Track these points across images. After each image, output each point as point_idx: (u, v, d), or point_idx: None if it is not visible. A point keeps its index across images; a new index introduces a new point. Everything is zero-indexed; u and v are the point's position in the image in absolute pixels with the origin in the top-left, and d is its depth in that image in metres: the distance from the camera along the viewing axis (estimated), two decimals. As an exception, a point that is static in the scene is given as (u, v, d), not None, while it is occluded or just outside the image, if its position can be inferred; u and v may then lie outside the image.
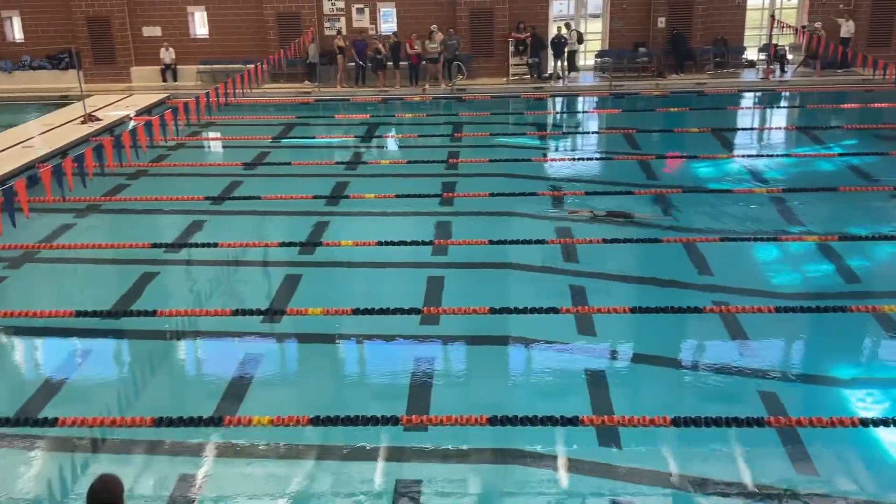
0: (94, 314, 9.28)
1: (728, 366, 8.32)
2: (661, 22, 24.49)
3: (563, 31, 23.65)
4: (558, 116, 21.72)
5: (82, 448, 7.06)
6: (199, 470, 6.75)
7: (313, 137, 19.46)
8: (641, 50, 24.49)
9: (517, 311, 9.04)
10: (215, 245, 11.41)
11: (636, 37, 24.78)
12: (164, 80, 24.73)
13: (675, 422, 6.87)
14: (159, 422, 7.05)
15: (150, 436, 7.08)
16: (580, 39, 24.36)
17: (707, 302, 9.45)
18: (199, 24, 25.53)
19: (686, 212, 12.69)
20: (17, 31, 25.86)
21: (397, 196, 13.50)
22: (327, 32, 24.76)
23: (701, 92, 22.35)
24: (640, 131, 18.13)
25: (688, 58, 24.18)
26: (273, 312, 9.46)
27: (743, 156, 16.28)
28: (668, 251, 11.13)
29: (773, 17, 23.96)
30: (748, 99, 22.71)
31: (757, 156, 16.44)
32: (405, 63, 23.73)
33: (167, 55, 24.60)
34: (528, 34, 23.83)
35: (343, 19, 24.80)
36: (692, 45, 24.27)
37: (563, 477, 6.59)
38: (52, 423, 7.09)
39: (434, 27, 23.47)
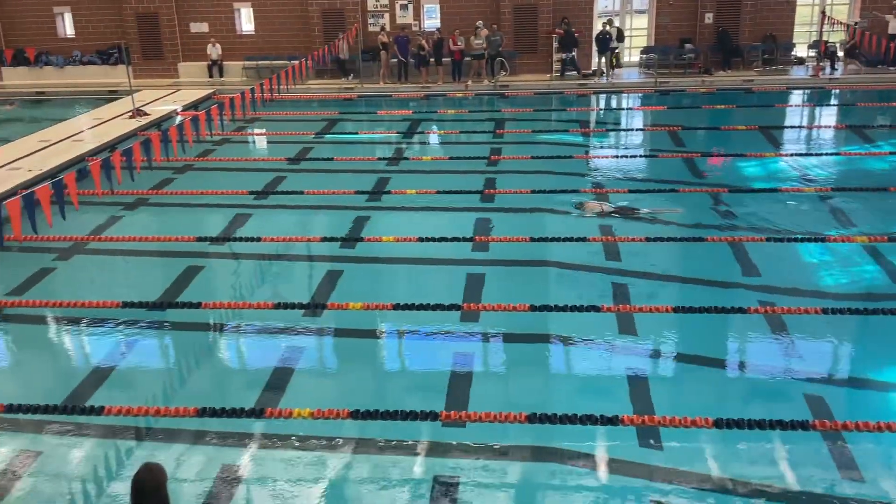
0: (141, 305, 9.46)
1: (773, 367, 8.18)
2: (709, 18, 24.15)
3: (608, 27, 23.44)
4: (602, 113, 21.54)
5: (128, 436, 7.19)
6: (241, 460, 6.83)
7: (356, 133, 19.58)
8: (688, 46, 24.18)
9: (557, 308, 9.02)
10: (258, 239, 11.56)
11: (682, 33, 24.47)
12: (211, 76, 25.06)
13: (718, 423, 6.79)
14: (202, 412, 7.16)
15: (193, 425, 7.18)
16: (620, 37, 24.12)
17: (752, 302, 9.30)
18: (246, 21, 25.83)
19: (732, 211, 12.50)
20: (68, 27, 26.42)
21: (438, 192, 13.53)
22: (371, 29, 24.87)
23: (748, 89, 22.00)
24: (686, 128, 17.91)
25: (735, 54, 23.81)
26: (314, 306, 9.53)
27: (790, 154, 15.98)
28: (714, 250, 10.98)
29: (823, 13, 23.47)
30: (797, 96, 22.27)
31: (805, 154, 16.12)
32: (448, 59, 23.73)
33: (214, 51, 24.92)
34: (561, 30, 23.65)
35: (387, 15, 24.89)
36: (740, 42, 23.89)
37: (603, 476, 6.54)
38: (99, 411, 7.26)
39: (480, 23, 23.42)
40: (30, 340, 9.39)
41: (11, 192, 12.81)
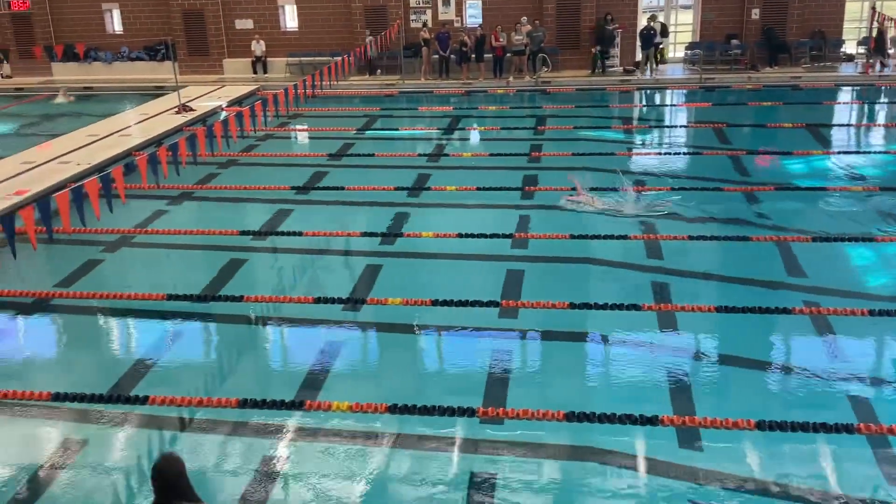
0: (185, 298, 9.62)
1: (817, 369, 8.02)
2: (756, 14, 23.75)
3: (652, 22, 23.19)
4: (645, 110, 21.32)
5: (170, 426, 7.32)
6: (280, 451, 6.91)
7: (396, 129, 19.64)
8: (734, 42, 23.81)
9: (597, 306, 8.97)
10: (300, 234, 11.68)
11: (728, 28, 24.10)
12: (255, 72, 25.33)
13: (760, 425, 6.70)
14: (244, 403, 7.27)
15: (234, 416, 7.29)
16: (664, 32, 23.83)
17: (797, 303, 9.14)
18: (289, 17, 26.06)
19: (778, 210, 12.29)
20: (116, 23, 26.91)
21: (478, 188, 13.52)
22: (413, 25, 24.92)
23: (796, 86, 21.60)
24: (731, 125, 17.67)
25: (782, 51, 23.39)
26: (354, 301, 9.60)
27: (838, 152, 15.67)
28: (758, 250, 10.82)
29: (873, 9, 22.93)
30: (846, 94, 21.82)
31: (853, 152, 15.79)
32: (489, 55, 23.68)
33: (258, 47, 25.19)
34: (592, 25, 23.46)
35: (429, 12, 24.92)
36: (787, 38, 23.46)
37: (642, 477, 6.49)
38: (143, 401, 7.40)
39: (524, 19, 23.33)
40: (77, 330, 9.60)
41: (61, 186, 13.11)
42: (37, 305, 9.91)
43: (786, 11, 23.49)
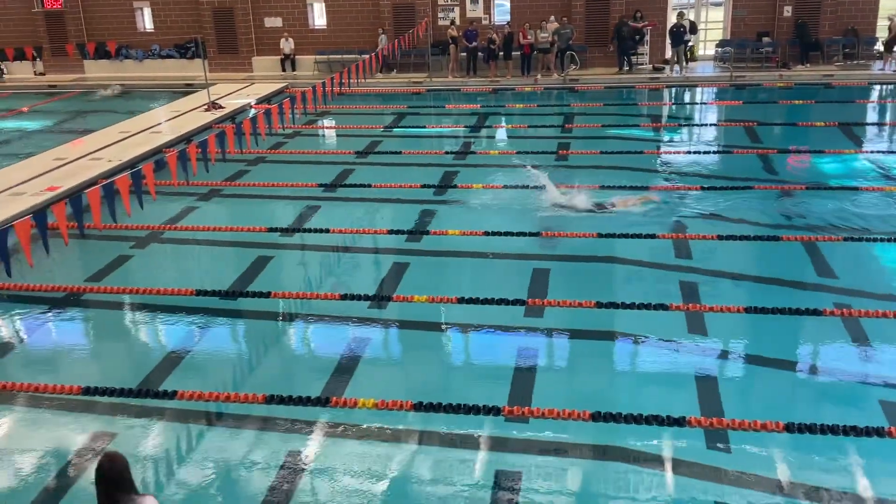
0: (213, 293, 9.70)
1: (848, 372, 7.92)
2: (787, 11, 23.46)
3: (681, 19, 22.99)
4: (674, 108, 21.15)
5: (198, 420, 7.38)
6: (307, 447, 6.95)
7: (423, 127, 19.65)
8: (765, 39, 23.53)
9: (624, 306, 8.91)
10: (327, 231, 11.73)
11: (760, 26, 23.83)
12: (283, 70, 25.48)
13: (789, 427, 6.63)
14: (270, 399, 7.32)
15: (261, 412, 7.34)
16: (693, 29, 23.61)
17: (828, 304, 9.01)
18: (318, 15, 26.17)
19: (809, 209, 12.13)
20: (147, 22, 27.20)
21: (505, 187, 13.49)
22: (440, 22, 24.92)
23: (828, 84, 21.31)
24: (762, 124, 17.47)
25: (814, 48, 23.07)
26: (380, 298, 9.62)
27: (871, 151, 15.42)
28: (788, 250, 10.69)
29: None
30: (879, 92, 21.48)
31: (886, 152, 15.54)
32: (517, 53, 23.61)
33: (287, 45, 25.33)
34: (635, 23, 23.27)
35: (457, 9, 24.90)
36: (820, 36, 23.14)
37: (668, 478, 6.43)
38: (172, 395, 7.48)
39: (551, 18, 23.23)
40: (107, 325, 9.72)
41: (92, 182, 13.27)
42: (68, 300, 10.05)
43: (818, 8, 23.17)
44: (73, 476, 6.66)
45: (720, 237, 10.96)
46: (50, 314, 9.80)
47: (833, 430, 6.56)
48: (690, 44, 23.53)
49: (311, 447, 6.97)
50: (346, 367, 8.21)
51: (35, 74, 27.39)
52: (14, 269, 8.97)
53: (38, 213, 9.14)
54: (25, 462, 6.92)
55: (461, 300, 9.17)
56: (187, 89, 23.81)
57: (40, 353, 9.05)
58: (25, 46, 26.02)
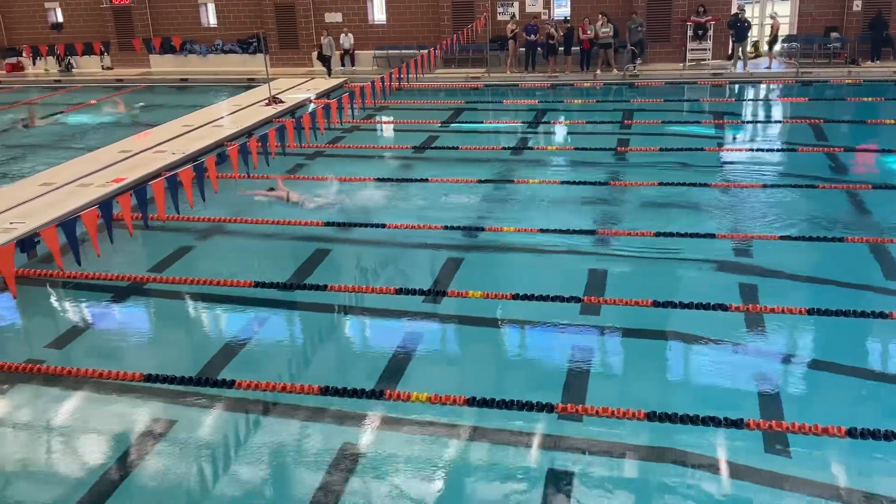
0: (271, 286, 9.85)
1: (915, 378, 7.67)
2: (857, 6, 22.76)
3: (742, 13, 22.50)
4: (737, 104, 20.71)
5: (255, 409, 7.51)
6: (361, 438, 7.01)
7: (481, 122, 19.63)
8: (834, 35, 22.88)
9: (682, 305, 8.78)
10: (383, 226, 11.80)
11: (828, 21, 23.19)
12: (343, 65, 25.69)
13: (851, 433, 6.45)
14: (325, 390, 7.40)
15: (316, 403, 7.43)
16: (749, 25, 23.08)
17: (893, 307, 8.73)
18: (377, 11, 26.34)
19: (876, 210, 11.78)
20: (211, 17, 27.73)
21: (562, 183, 13.40)
22: (500, 18, 24.84)
23: (899, 81, 20.64)
24: (828, 121, 17.00)
25: (886, 44, 22.35)
26: (435, 293, 9.65)
27: (945, 151, 14.88)
28: (853, 251, 10.40)
29: None
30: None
31: (962, 151, 14.98)
32: (576, 48, 23.41)
33: (346, 40, 25.54)
34: (698, 18, 22.79)
35: (516, 4, 24.79)
36: (892, 31, 22.39)
37: (724, 481, 6.32)
38: (230, 384, 7.63)
39: (599, 17, 22.97)
40: (168, 315, 9.95)
41: (156, 174, 13.59)
42: (131, 289, 10.31)
43: (891, 3, 22.42)
44: (135, 460, 6.84)
45: (782, 237, 10.71)
46: (114, 303, 10.07)
47: (898, 437, 6.37)
48: (755, 39, 23.00)
49: (365, 439, 7.03)
50: (400, 361, 8.26)
51: (103, 69, 28.17)
52: (82, 259, 9.23)
53: (105, 204, 9.39)
54: (90, 446, 7.14)
55: (516, 296, 9.14)
56: (249, 84, 24.19)
57: (105, 340, 9.30)
58: (94, 41, 26.74)
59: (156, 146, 16.48)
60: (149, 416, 7.50)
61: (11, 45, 28.81)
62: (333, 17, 26.26)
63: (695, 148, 15.39)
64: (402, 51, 24.73)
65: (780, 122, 18.45)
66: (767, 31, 24.70)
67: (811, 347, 8.41)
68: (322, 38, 25.13)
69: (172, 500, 6.42)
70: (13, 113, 22.82)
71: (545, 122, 19.13)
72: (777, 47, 23.68)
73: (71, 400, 7.88)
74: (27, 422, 7.57)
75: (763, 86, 21.85)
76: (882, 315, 8.46)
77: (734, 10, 23.46)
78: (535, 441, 6.86)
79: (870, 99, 19.01)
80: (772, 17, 22.59)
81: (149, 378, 7.81)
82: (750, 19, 23.55)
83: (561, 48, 23.46)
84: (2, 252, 8.08)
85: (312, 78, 24.59)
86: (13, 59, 28.68)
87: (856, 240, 10.62)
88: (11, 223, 11.70)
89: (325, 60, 25.00)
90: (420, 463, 6.66)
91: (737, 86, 21.87)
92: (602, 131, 17.44)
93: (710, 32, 23.33)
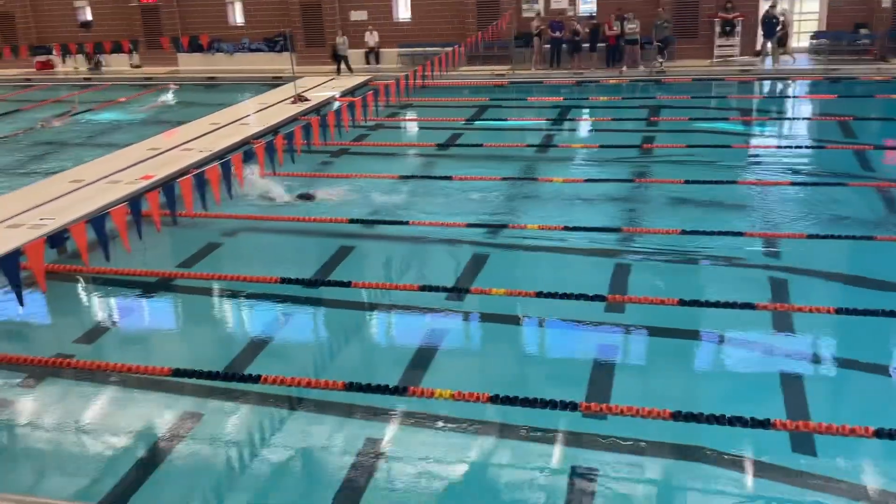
0: (297, 282, 9.92)
1: (946, 378, 7.56)
2: (887, 2, 22.43)
3: (773, 9, 22.25)
4: (765, 101, 20.50)
5: (281, 405, 7.57)
6: (385, 434, 7.04)
7: (505, 119, 19.59)
8: (863, 31, 22.57)
9: (708, 304, 8.72)
10: (407, 223, 11.83)
11: (857, 17, 22.88)
12: (368, 63, 25.78)
13: (879, 433, 6.36)
14: (349, 386, 7.44)
15: (340, 398, 7.46)
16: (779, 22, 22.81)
17: (925, 307, 8.62)
18: (402, 9, 26.38)
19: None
20: (238, 16, 27.94)
21: (587, 180, 13.35)
22: (524, 14, 24.78)
23: (931, 77, 20.32)
24: (857, 119, 16.78)
25: (917, 39, 22.04)
26: (458, 290, 9.66)
27: (977, 148, 14.66)
28: (883, 250, 10.26)
29: None
30: None
31: None
32: (601, 45, 23.30)
33: (371, 38, 25.62)
34: (726, 14, 22.55)
35: (541, 1, 24.72)
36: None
37: (750, 481, 6.28)
38: (256, 379, 7.69)
39: (630, 15, 22.84)
40: (196, 310, 10.05)
41: (184, 172, 13.72)
42: (160, 285, 10.43)
43: (922, -3, 22.11)
44: (163, 454, 6.92)
45: (810, 236, 10.60)
46: (143, 298, 10.19)
47: (928, 438, 6.28)
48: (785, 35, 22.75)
49: (389, 435, 7.06)
50: (423, 358, 8.28)
51: (131, 67, 28.49)
52: (112, 255, 9.35)
53: (134, 201, 9.51)
54: (118, 439, 7.23)
55: (539, 294, 9.12)
56: (275, 82, 24.34)
57: (134, 335, 9.43)
58: (122, 40, 27.05)
59: (184, 144, 16.64)
60: (176, 410, 7.58)
61: (42, 42, 29.20)
62: (359, 15, 26.34)
63: (722, 145, 15.26)
64: (427, 48, 24.76)
65: (808, 118, 18.24)
66: (797, 27, 24.42)
67: (839, 347, 8.32)
68: (337, 37, 25.25)
69: (198, 493, 6.49)
70: (39, 112, 23.09)
71: (570, 119, 19.06)
72: (790, 44, 23.28)
73: (99, 394, 7.99)
74: (57, 415, 7.68)
75: (791, 82, 21.62)
76: (912, 315, 8.35)
77: (764, 6, 23.22)
78: (559, 439, 6.85)
79: (900, 96, 18.76)
80: (782, 14, 22.28)
81: (176, 373, 7.90)
82: (778, 16, 23.27)
83: (586, 45, 23.36)
84: (32, 248, 8.22)
85: (338, 76, 24.68)
86: (43, 58, 29.07)
87: (885, 238, 10.48)
88: (42, 219, 11.87)
89: (338, 59, 25.13)
90: (443, 459, 6.68)
91: (765, 82, 21.65)
92: (628, 128, 17.35)
93: (738, 28, 23.13)
